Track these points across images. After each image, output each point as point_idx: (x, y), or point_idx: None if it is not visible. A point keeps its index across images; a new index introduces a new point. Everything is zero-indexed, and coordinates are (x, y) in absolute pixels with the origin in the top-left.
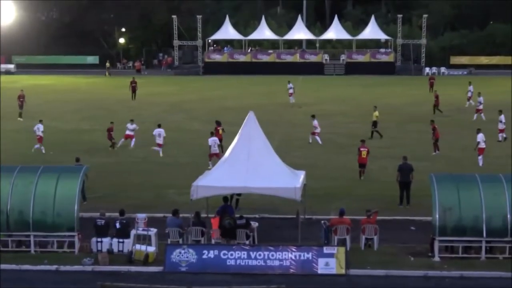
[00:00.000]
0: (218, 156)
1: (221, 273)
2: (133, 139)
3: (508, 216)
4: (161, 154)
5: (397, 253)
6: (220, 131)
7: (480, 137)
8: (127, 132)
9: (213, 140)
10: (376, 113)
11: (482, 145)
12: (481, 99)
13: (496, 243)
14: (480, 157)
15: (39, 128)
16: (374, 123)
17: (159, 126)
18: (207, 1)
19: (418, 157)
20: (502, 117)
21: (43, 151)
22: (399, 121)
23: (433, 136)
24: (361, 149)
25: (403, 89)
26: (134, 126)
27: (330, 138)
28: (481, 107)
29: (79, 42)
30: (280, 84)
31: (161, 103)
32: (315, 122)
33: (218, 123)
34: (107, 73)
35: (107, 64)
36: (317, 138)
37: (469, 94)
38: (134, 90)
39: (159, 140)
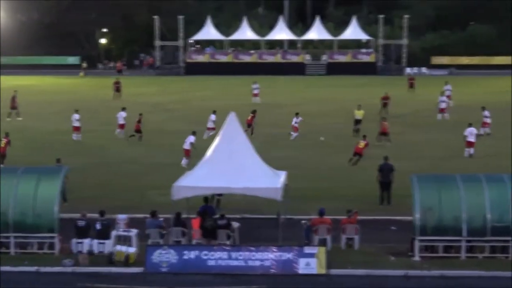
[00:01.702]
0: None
1: (202, 274)
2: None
3: (488, 215)
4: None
5: (377, 253)
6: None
7: (469, 131)
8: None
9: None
10: (361, 111)
11: (470, 138)
12: (443, 98)
13: (476, 243)
14: (466, 149)
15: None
16: (357, 121)
17: (123, 109)
18: (189, 2)
19: (399, 157)
20: (486, 113)
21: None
22: (380, 121)
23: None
24: (361, 141)
25: (384, 90)
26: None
27: (311, 139)
28: (443, 105)
29: (61, 43)
30: (261, 84)
31: (142, 103)
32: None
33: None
34: (81, 73)
35: (83, 65)
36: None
37: (448, 93)
38: (118, 90)
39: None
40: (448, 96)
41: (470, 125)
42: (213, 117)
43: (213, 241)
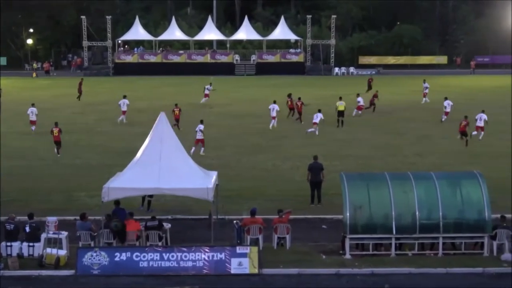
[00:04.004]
0: (203, 142)
1: (134, 275)
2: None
3: (417, 213)
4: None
5: (309, 252)
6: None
7: (479, 116)
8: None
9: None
10: (343, 104)
11: (479, 123)
12: (360, 99)
13: (405, 240)
14: (475, 132)
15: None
16: (340, 113)
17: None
18: (117, 2)
19: (328, 157)
20: (446, 102)
21: None
22: (310, 121)
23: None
24: (462, 121)
25: (313, 89)
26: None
27: (242, 139)
28: (362, 102)
29: None
30: (191, 84)
31: (71, 104)
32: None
33: None
34: (34, 74)
35: (34, 65)
36: None
37: (426, 90)
38: (79, 91)
39: None
40: (424, 94)
41: (483, 111)
42: (201, 127)
43: (121, 243)
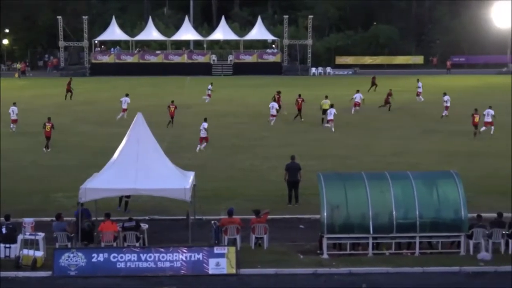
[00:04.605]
0: (207, 140)
1: (111, 276)
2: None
3: (394, 212)
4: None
5: (286, 252)
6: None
7: (487, 112)
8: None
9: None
10: (328, 102)
11: (487, 119)
12: (356, 95)
13: (383, 239)
14: (484, 128)
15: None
16: (325, 111)
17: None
18: (93, 2)
19: (306, 156)
20: (446, 97)
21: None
22: (287, 121)
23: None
24: (474, 114)
25: (290, 89)
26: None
27: (219, 139)
28: (358, 99)
29: None
30: (168, 85)
31: (48, 105)
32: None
33: None
34: (16, 75)
35: (18, 65)
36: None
37: (420, 89)
38: (68, 90)
39: None
40: (418, 93)
41: (490, 107)
42: (205, 125)
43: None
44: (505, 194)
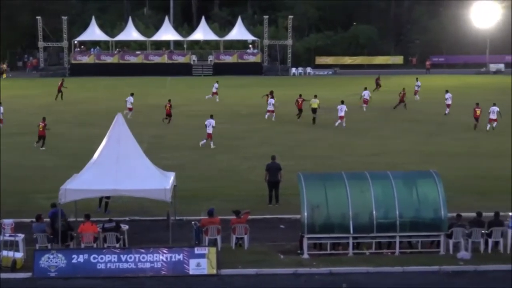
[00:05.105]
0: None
1: (91, 277)
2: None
3: (374, 212)
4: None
5: (267, 252)
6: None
7: (491, 109)
8: None
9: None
10: (317, 102)
11: (492, 116)
12: (365, 93)
13: (363, 239)
14: (488, 124)
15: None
16: (314, 110)
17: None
18: (73, 2)
19: (286, 157)
20: (448, 95)
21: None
22: (268, 121)
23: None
24: (475, 108)
25: (271, 89)
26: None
27: (199, 139)
28: (366, 96)
29: None
30: (148, 85)
31: (27, 106)
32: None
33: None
34: (4, 75)
35: (4, 66)
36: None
37: (416, 88)
38: (59, 90)
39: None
40: (416, 91)
41: (494, 104)
42: (212, 122)
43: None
44: (485, 193)
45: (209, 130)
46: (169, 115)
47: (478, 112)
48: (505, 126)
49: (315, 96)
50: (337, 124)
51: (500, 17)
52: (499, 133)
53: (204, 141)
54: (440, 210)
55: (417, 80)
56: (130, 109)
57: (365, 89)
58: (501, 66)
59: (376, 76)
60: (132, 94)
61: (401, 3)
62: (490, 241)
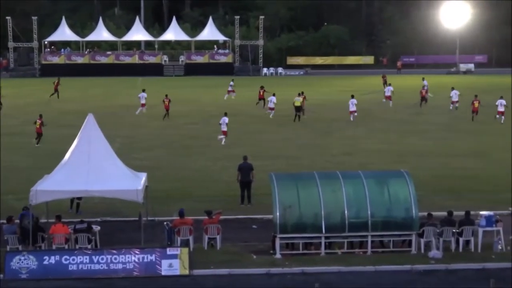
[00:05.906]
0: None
1: (63, 279)
2: None
3: (346, 212)
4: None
5: (239, 252)
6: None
7: (499, 102)
8: None
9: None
10: (300, 100)
11: (500, 108)
12: (298, 98)
13: (335, 239)
14: (497, 116)
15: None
16: (297, 108)
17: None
18: (42, 2)
19: (258, 157)
20: (453, 92)
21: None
22: (239, 122)
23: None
24: (474, 101)
25: (242, 90)
26: None
27: (172, 140)
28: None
29: None
30: (119, 86)
31: None
32: None
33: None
34: None
35: None
36: None
37: (426, 88)
38: (56, 89)
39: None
40: (426, 91)
41: (501, 97)
42: (226, 119)
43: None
44: (455, 193)
45: (224, 127)
46: (167, 110)
47: (476, 104)
48: (479, 125)
49: (299, 94)
50: (352, 118)
51: (469, 17)
52: (472, 133)
53: (222, 136)
54: (412, 209)
55: (423, 80)
56: (143, 105)
57: (389, 85)
58: (471, 66)
59: (381, 74)
60: (143, 90)
61: (372, 3)
62: (461, 240)
